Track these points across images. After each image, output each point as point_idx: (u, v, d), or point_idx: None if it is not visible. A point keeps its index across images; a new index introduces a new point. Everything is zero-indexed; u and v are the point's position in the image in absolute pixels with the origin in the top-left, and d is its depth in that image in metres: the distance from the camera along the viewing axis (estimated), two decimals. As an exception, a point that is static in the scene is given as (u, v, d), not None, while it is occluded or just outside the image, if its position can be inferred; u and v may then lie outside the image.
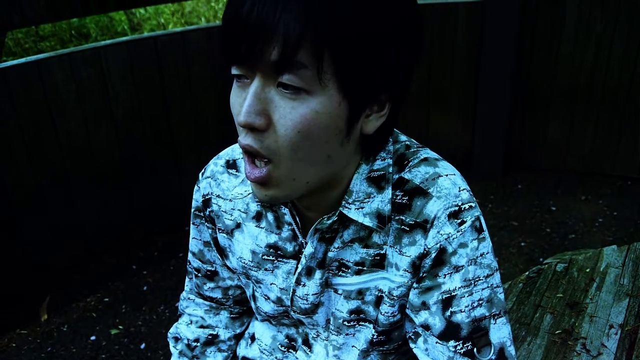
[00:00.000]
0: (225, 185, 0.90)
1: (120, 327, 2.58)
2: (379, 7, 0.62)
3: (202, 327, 1.08)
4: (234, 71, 0.67)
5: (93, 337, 2.52)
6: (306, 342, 0.95)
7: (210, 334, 1.08)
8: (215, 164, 0.93)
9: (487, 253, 0.77)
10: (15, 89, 2.47)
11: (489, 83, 3.41)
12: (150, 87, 2.89)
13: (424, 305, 0.78)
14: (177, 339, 1.09)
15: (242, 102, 0.66)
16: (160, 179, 3.08)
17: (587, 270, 1.52)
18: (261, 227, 0.87)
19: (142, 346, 2.46)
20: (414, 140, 0.85)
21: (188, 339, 1.08)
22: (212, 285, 1.04)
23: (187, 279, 1.10)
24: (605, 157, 3.56)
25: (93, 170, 2.82)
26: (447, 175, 0.78)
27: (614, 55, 3.27)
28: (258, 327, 1.03)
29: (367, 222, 0.76)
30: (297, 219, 0.82)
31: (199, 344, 1.07)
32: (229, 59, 0.65)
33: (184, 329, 1.09)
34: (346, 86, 0.64)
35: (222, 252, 0.96)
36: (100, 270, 2.94)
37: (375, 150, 0.77)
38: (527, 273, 1.49)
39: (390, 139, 0.81)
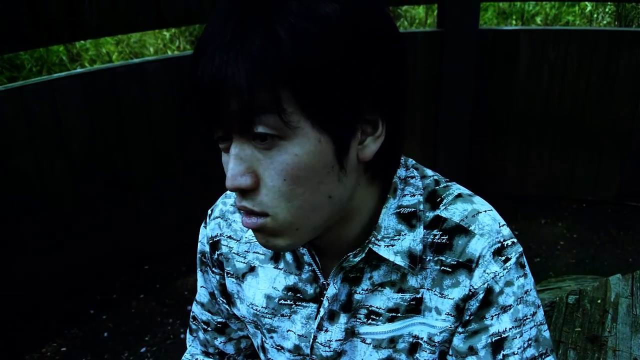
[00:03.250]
0: (238, 225, 0.84)
1: (80, 378, 2.40)
2: (326, 32, 0.58)
3: None
4: (215, 136, 0.64)
5: (50, 392, 2.33)
6: None
7: None
8: (224, 204, 0.86)
9: (530, 290, 0.74)
10: (-39, 125, 2.30)
11: (449, 111, 3.47)
12: (107, 121, 2.76)
13: (471, 351, 0.73)
14: None
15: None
16: (117, 217, 2.93)
17: (599, 301, 1.52)
18: (279, 269, 0.80)
19: (106, 398, 2.29)
20: (439, 174, 0.81)
21: None
22: (223, 339, 0.95)
23: (189, 338, 1.00)
24: (561, 181, 3.66)
25: (45, 212, 2.64)
26: (485, 211, 0.74)
27: (566, 82, 3.39)
28: (266, 382, 0.94)
29: (399, 261, 0.71)
30: (317, 258, 0.76)
31: None
32: (202, 125, 0.63)
33: None
34: (319, 120, 0.60)
35: (229, 298, 0.88)
36: (55, 317, 2.73)
37: (388, 175, 0.73)
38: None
39: (417, 174, 0.77)
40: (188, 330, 1.00)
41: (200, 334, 0.96)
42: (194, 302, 0.96)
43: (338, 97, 0.60)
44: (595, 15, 6.01)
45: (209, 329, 0.95)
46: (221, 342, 0.95)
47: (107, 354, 2.52)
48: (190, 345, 1.00)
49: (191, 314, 0.98)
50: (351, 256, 0.72)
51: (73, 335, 2.64)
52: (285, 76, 0.57)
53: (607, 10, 5.89)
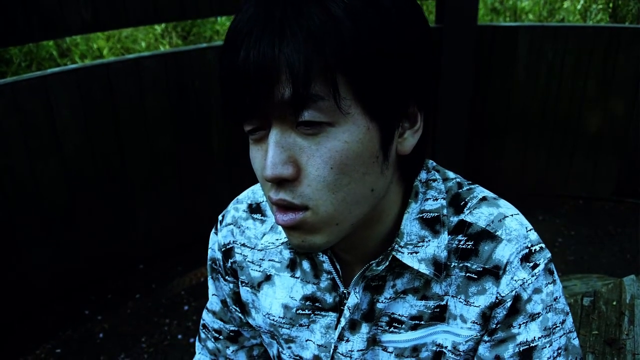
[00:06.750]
0: (252, 232, 0.81)
1: (76, 381, 2.36)
2: (383, 18, 0.57)
3: None
4: (247, 127, 0.60)
5: (45, 395, 2.28)
6: None
7: None
8: (237, 209, 0.83)
9: (559, 297, 0.72)
10: (-48, 123, 2.24)
11: (447, 110, 3.44)
12: (102, 118, 2.71)
13: None
14: None
15: (263, 155, 0.59)
16: (113, 218, 2.88)
17: (614, 303, 1.51)
18: (296, 277, 0.77)
19: (103, 401, 2.25)
20: (461, 176, 0.79)
21: None
22: (235, 347, 0.92)
23: (198, 346, 0.97)
24: (558, 179, 3.66)
25: (39, 212, 2.59)
26: (512, 215, 0.72)
27: (564, 82, 3.38)
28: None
29: (423, 269, 0.68)
30: (338, 266, 0.73)
31: None
32: (237, 115, 0.58)
33: None
34: (370, 107, 0.58)
35: (243, 307, 0.85)
36: (49, 318, 2.68)
37: (413, 174, 0.70)
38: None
39: (439, 176, 0.74)
40: (197, 338, 0.97)
41: (210, 343, 0.93)
42: (205, 310, 0.93)
43: (391, 84, 0.58)
44: (588, 12, 6.01)
45: (220, 337, 0.92)
46: (233, 350, 0.92)
47: (102, 356, 2.47)
48: (199, 353, 0.96)
49: (201, 321, 0.95)
50: (374, 265, 0.69)
51: (67, 337, 2.59)
52: (343, 58, 0.54)
53: (599, 6, 5.89)
